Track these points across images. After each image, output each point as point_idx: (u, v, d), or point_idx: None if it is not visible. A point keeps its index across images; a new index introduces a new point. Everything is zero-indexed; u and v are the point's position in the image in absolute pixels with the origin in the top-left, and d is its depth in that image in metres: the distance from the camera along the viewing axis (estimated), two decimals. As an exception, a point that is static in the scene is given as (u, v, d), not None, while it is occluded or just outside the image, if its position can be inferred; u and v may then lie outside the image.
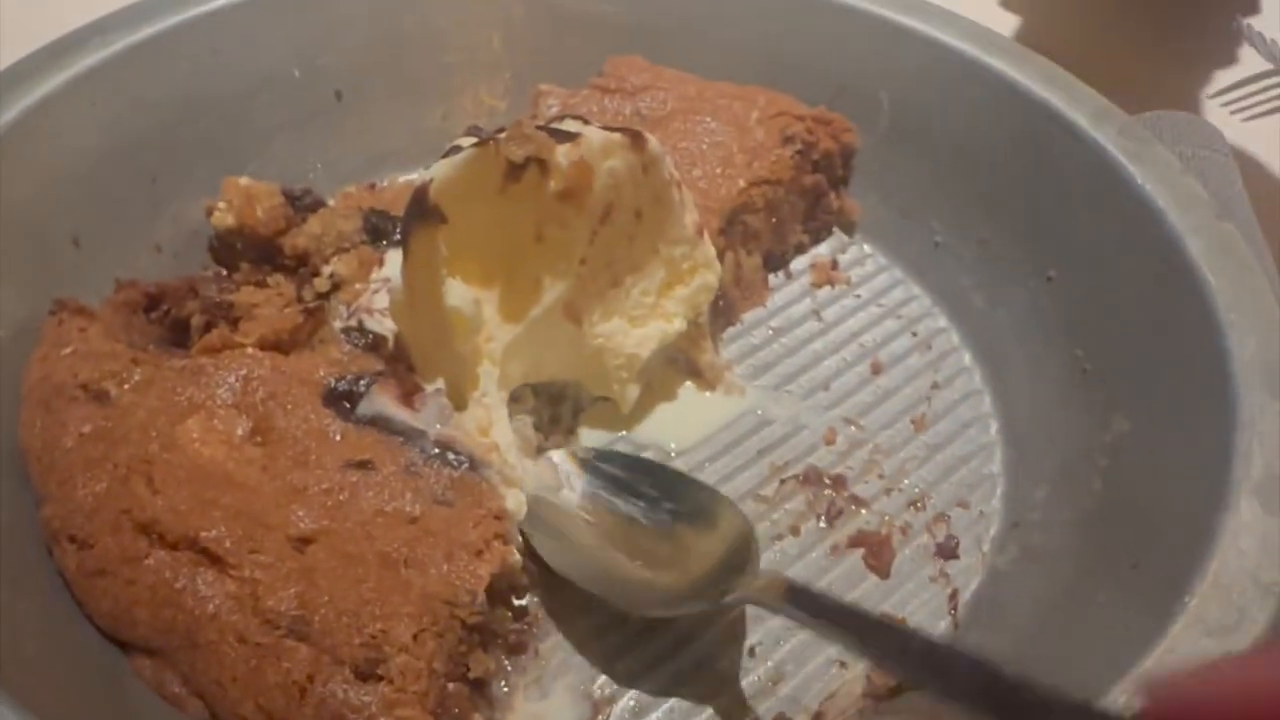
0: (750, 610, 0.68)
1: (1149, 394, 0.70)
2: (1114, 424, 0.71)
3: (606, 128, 0.68)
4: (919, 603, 0.70)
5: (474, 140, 0.65)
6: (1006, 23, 1.16)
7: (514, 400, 0.73)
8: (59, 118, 0.76)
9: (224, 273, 0.83)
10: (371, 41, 0.93)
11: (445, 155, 0.65)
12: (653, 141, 0.69)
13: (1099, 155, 0.77)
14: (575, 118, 0.71)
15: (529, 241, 0.68)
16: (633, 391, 0.76)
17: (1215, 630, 0.54)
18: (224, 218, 0.80)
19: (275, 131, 0.89)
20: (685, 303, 0.75)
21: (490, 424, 0.68)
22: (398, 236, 0.78)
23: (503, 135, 0.64)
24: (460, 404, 0.68)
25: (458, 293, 0.65)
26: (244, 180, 0.81)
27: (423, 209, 0.64)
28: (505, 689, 0.64)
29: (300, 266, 0.81)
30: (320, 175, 0.91)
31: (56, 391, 0.65)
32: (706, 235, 0.76)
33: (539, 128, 0.66)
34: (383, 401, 0.67)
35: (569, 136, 0.66)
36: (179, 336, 0.74)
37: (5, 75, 0.76)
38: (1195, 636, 0.54)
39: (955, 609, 0.70)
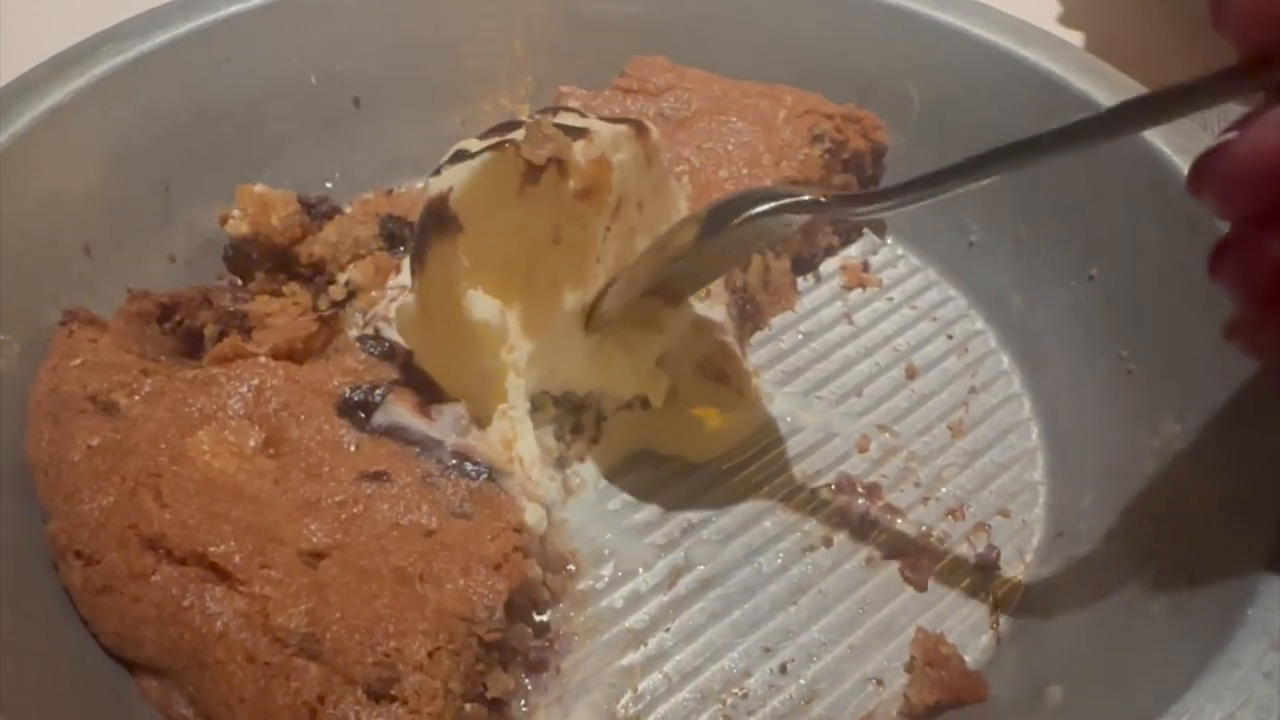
0: (781, 623, 0.66)
1: (1199, 395, 0.67)
2: (1163, 427, 0.68)
3: (606, 119, 0.66)
4: (959, 617, 0.67)
5: (486, 144, 0.62)
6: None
7: (534, 409, 0.70)
8: (71, 126, 0.75)
9: (238, 282, 0.81)
10: (390, 47, 0.91)
11: (450, 159, 0.63)
12: (654, 131, 0.67)
13: (1143, 148, 0.73)
14: (570, 110, 0.69)
15: (546, 244, 0.66)
16: (662, 381, 0.74)
17: (1280, 643, 0.50)
18: (238, 226, 0.78)
19: (291, 138, 0.88)
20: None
21: (515, 437, 0.66)
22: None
23: (517, 134, 0.62)
24: (484, 420, 0.66)
25: (483, 305, 0.63)
26: (259, 188, 0.79)
27: (441, 219, 0.61)
28: (525, 709, 0.61)
29: (316, 275, 0.79)
30: (338, 182, 0.90)
31: (64, 403, 0.63)
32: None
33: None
34: (399, 411, 0.65)
35: (579, 133, 0.63)
36: (192, 348, 0.73)
37: (17, 84, 0.75)
38: (1260, 650, 0.50)
39: (997, 623, 0.67)
